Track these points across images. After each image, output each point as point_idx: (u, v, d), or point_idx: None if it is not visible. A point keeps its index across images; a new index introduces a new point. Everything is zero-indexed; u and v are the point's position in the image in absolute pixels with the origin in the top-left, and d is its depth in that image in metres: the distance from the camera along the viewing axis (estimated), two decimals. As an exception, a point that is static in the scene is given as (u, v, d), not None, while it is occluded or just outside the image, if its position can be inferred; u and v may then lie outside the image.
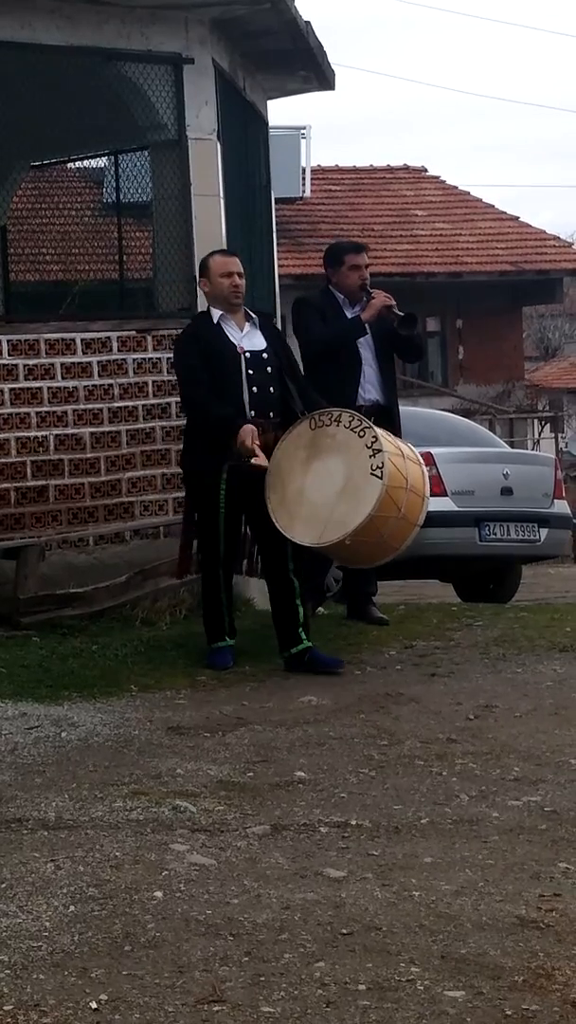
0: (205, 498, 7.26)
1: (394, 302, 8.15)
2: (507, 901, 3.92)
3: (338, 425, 7.14)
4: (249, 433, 7.02)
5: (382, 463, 6.96)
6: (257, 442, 7.02)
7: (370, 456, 7.00)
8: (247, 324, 7.38)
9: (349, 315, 8.19)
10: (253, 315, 7.47)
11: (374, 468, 6.97)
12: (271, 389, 7.28)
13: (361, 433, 7.08)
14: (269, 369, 7.29)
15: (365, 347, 8.17)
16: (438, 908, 3.86)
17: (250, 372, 7.23)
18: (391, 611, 8.97)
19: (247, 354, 7.26)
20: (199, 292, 9.07)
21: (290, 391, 7.34)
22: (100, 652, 7.47)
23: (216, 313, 7.36)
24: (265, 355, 7.31)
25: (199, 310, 9.15)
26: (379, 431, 7.12)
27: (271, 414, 7.25)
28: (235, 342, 7.27)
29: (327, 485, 7.06)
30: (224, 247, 9.25)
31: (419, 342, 8.61)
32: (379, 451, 6.99)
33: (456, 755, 5.50)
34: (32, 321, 8.92)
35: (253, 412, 7.17)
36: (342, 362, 8.04)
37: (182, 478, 7.70)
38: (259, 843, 4.45)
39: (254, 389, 7.22)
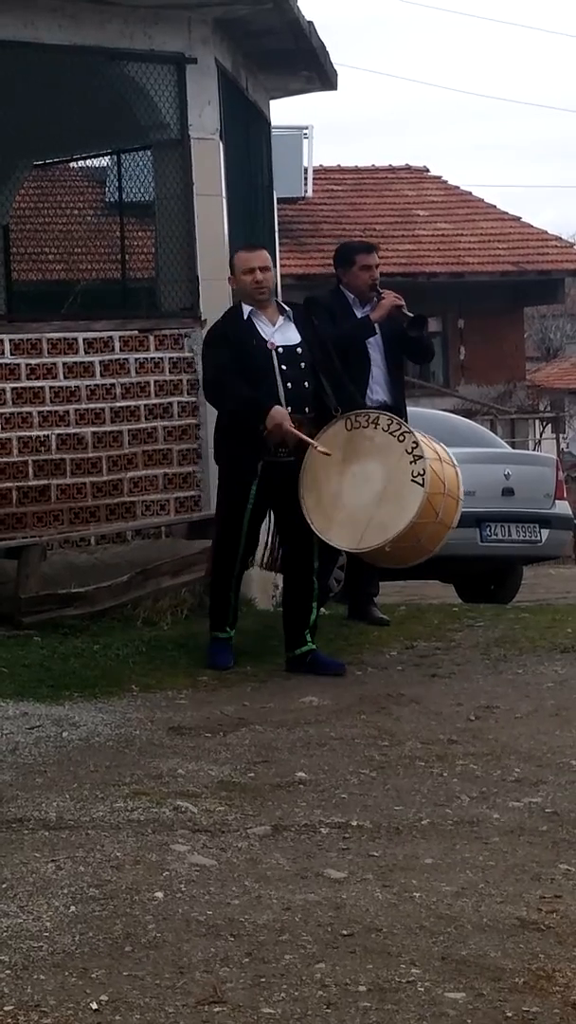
0: (235, 492, 7.18)
1: (404, 303, 8.12)
2: (508, 902, 3.92)
3: (376, 428, 7.09)
4: (282, 416, 6.93)
5: (424, 470, 6.92)
6: (292, 427, 6.93)
7: (411, 462, 6.95)
8: (280, 318, 7.24)
9: (359, 315, 8.16)
10: (287, 308, 7.33)
11: (415, 475, 6.93)
12: (305, 384, 7.17)
13: (401, 437, 7.03)
14: (303, 364, 7.17)
15: (374, 348, 8.14)
16: (439, 909, 3.87)
17: (283, 368, 7.12)
18: (392, 612, 8.97)
19: (279, 349, 7.13)
20: (201, 291, 9.14)
21: (323, 386, 7.25)
22: (101, 652, 7.47)
23: (246, 309, 7.22)
24: (299, 350, 7.19)
25: (214, 308, 9.16)
26: (418, 435, 7.08)
27: (306, 409, 7.16)
28: (266, 338, 7.16)
29: (365, 489, 7.01)
30: (227, 247, 9.27)
31: (429, 344, 8.56)
32: (420, 457, 6.95)
33: (457, 756, 5.50)
34: (34, 320, 8.91)
35: (289, 408, 7.06)
36: (350, 362, 7.98)
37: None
38: (260, 844, 4.45)
39: (288, 385, 7.10)
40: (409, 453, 6.99)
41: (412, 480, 6.94)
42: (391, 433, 7.07)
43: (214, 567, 7.44)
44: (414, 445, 6.99)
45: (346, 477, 7.06)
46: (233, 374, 7.10)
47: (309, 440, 7.04)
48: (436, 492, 6.99)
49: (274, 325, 7.22)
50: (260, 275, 7.22)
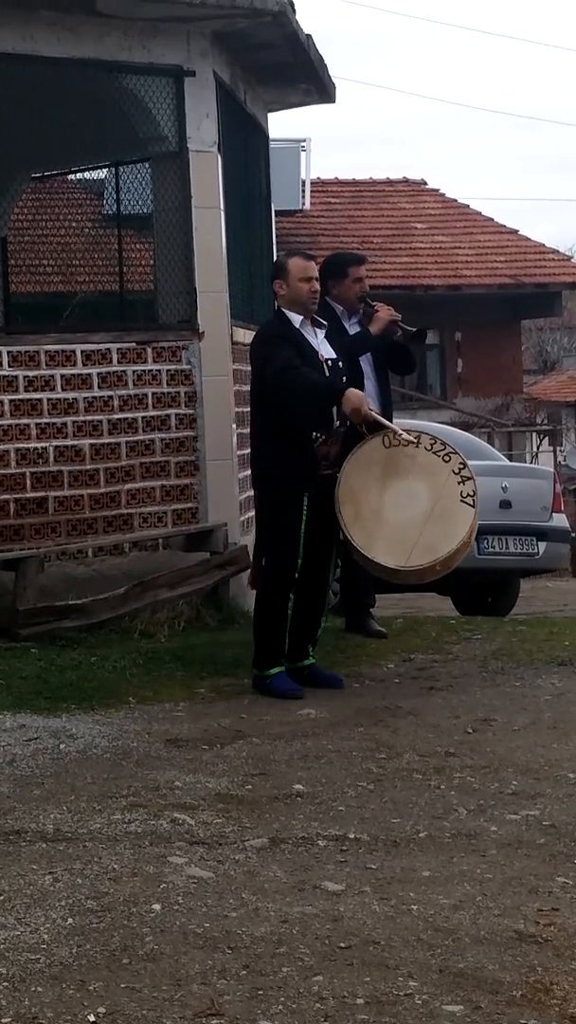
0: (289, 507, 6.95)
1: (400, 317, 8.08)
2: (505, 915, 3.92)
3: (417, 446, 7.04)
4: (360, 398, 6.82)
5: (473, 490, 6.91)
6: (369, 409, 6.87)
7: (459, 482, 6.93)
8: (319, 331, 7.16)
9: (347, 326, 8.14)
10: (324, 322, 7.23)
11: (465, 495, 6.91)
12: None
13: (447, 457, 6.99)
14: (344, 379, 7.11)
15: (365, 361, 8.12)
16: (436, 922, 3.86)
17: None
18: (389, 624, 8.97)
19: (328, 362, 7.07)
20: (199, 304, 9.16)
21: None
22: (99, 664, 7.47)
23: (296, 318, 7.07)
24: (340, 364, 7.15)
25: (212, 320, 9.17)
26: (463, 456, 7.06)
27: (347, 423, 7.11)
28: (316, 349, 7.07)
29: (410, 507, 6.93)
30: (225, 260, 9.29)
31: (413, 355, 8.57)
32: (468, 478, 6.93)
33: (454, 769, 5.50)
34: (32, 332, 8.93)
35: (338, 423, 7.00)
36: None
37: (260, 485, 7.24)
38: (257, 856, 4.45)
39: None
40: (457, 473, 6.95)
41: (462, 501, 6.92)
42: (435, 453, 7.02)
43: (267, 593, 7.12)
44: (461, 466, 6.97)
45: (387, 493, 6.98)
46: (299, 366, 6.88)
47: (388, 424, 6.99)
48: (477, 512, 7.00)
49: (317, 338, 7.14)
50: (317, 285, 7.12)
